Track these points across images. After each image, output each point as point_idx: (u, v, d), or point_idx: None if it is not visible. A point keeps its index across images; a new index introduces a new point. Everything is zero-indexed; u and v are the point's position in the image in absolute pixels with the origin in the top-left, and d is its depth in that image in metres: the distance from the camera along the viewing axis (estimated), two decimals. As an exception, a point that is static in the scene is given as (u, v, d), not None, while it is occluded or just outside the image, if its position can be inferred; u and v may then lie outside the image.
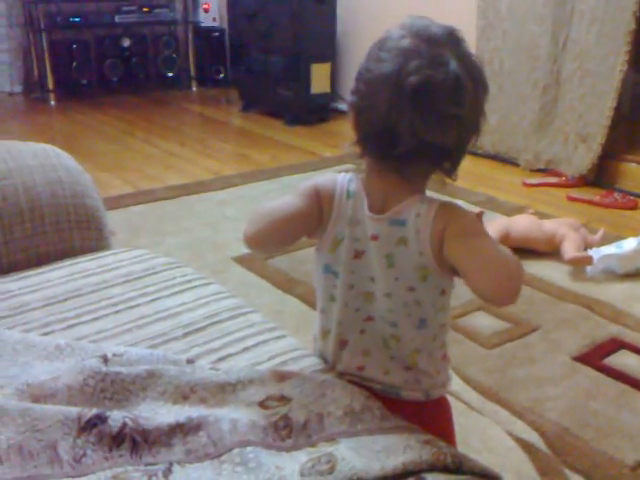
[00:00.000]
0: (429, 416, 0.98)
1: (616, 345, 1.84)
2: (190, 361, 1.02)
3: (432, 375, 0.99)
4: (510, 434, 1.48)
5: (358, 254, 0.95)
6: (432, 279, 0.92)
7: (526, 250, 2.37)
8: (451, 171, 0.92)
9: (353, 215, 0.94)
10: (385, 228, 0.92)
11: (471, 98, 0.87)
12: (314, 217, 0.96)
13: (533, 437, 1.48)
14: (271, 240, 1.00)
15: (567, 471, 1.39)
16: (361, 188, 0.95)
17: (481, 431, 1.48)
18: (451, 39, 0.89)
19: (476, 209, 2.63)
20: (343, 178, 0.97)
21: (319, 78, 4.07)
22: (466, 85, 0.86)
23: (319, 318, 1.03)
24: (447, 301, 0.98)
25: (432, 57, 0.85)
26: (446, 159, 0.91)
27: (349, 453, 0.83)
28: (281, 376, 0.97)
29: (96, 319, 1.17)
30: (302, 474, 0.80)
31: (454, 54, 0.87)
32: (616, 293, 2.12)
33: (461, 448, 0.96)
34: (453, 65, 0.85)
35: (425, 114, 0.85)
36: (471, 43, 3.33)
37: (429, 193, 0.95)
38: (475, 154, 3.57)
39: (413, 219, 0.91)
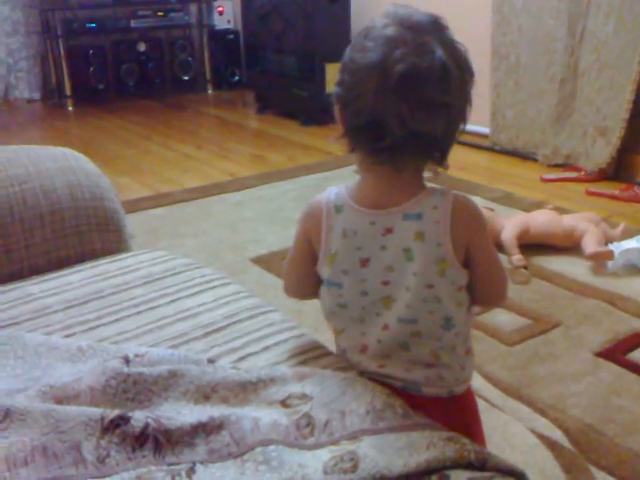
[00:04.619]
0: (452, 413, 0.97)
1: (639, 340, 1.82)
2: (211, 361, 1.02)
3: (456, 370, 0.99)
4: (533, 431, 1.47)
5: (364, 262, 0.94)
6: (450, 274, 0.92)
7: (546, 246, 2.35)
8: (441, 160, 0.91)
9: (347, 227, 0.94)
10: (399, 222, 0.91)
11: (458, 85, 0.86)
12: (311, 253, 1.00)
13: (556, 434, 1.47)
14: (298, 291, 1.11)
15: (592, 468, 1.37)
16: (349, 199, 0.95)
17: (503, 429, 1.47)
18: (435, 27, 0.87)
19: (493, 205, 2.63)
20: (329, 194, 0.98)
21: (334, 78, 4.05)
22: (453, 72, 0.85)
23: (330, 320, 1.03)
24: (465, 297, 0.97)
25: (417, 45, 0.84)
26: (436, 148, 0.90)
27: (372, 451, 0.82)
28: (302, 374, 0.97)
29: (117, 320, 1.18)
30: (325, 472, 0.80)
31: (439, 41, 0.85)
32: (638, 287, 2.10)
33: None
34: (439, 52, 0.84)
35: (412, 103, 0.83)
36: (487, 38, 3.33)
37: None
38: (492, 150, 3.55)
39: (430, 211, 0.90)
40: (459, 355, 0.99)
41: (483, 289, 0.99)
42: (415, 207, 0.91)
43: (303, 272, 1.04)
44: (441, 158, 0.91)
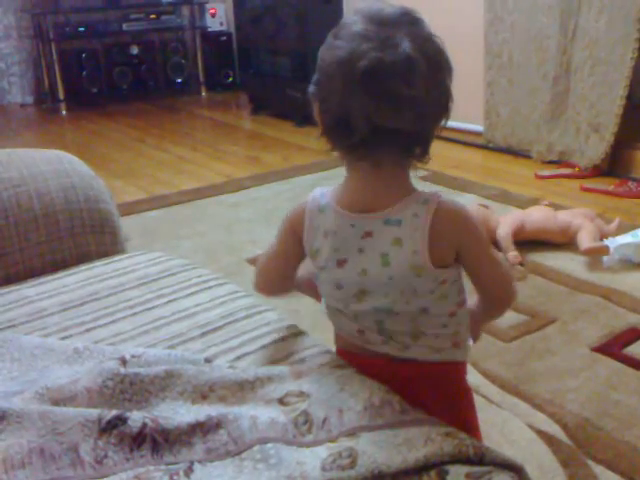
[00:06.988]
0: (439, 379, 0.99)
1: (635, 334, 1.82)
2: (208, 360, 1.02)
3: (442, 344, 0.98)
4: (531, 426, 1.47)
5: (341, 263, 0.94)
6: (427, 275, 0.91)
7: (541, 242, 2.35)
8: (422, 156, 0.90)
9: (328, 227, 0.94)
10: (380, 227, 0.91)
11: (425, 78, 0.84)
12: (294, 249, 1.01)
13: (554, 429, 1.47)
14: (271, 287, 1.11)
15: (590, 462, 1.38)
16: (332, 201, 0.95)
17: (501, 424, 1.47)
18: (405, 20, 0.86)
19: (489, 203, 2.63)
20: (314, 194, 0.98)
21: (327, 78, 4.07)
22: (418, 66, 0.83)
23: None
24: (450, 290, 0.95)
25: (382, 39, 0.83)
26: (414, 144, 0.89)
27: (370, 447, 0.82)
28: (299, 372, 0.98)
29: (114, 322, 1.18)
30: (324, 469, 0.80)
31: (408, 35, 0.84)
32: (634, 282, 2.10)
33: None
34: (405, 46, 0.83)
35: (377, 97, 0.83)
36: (480, 36, 3.33)
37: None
38: (486, 148, 3.56)
39: (410, 219, 0.89)
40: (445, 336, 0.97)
41: (487, 289, 1.00)
42: (397, 213, 0.90)
43: (282, 269, 1.06)
44: (421, 154, 0.90)
